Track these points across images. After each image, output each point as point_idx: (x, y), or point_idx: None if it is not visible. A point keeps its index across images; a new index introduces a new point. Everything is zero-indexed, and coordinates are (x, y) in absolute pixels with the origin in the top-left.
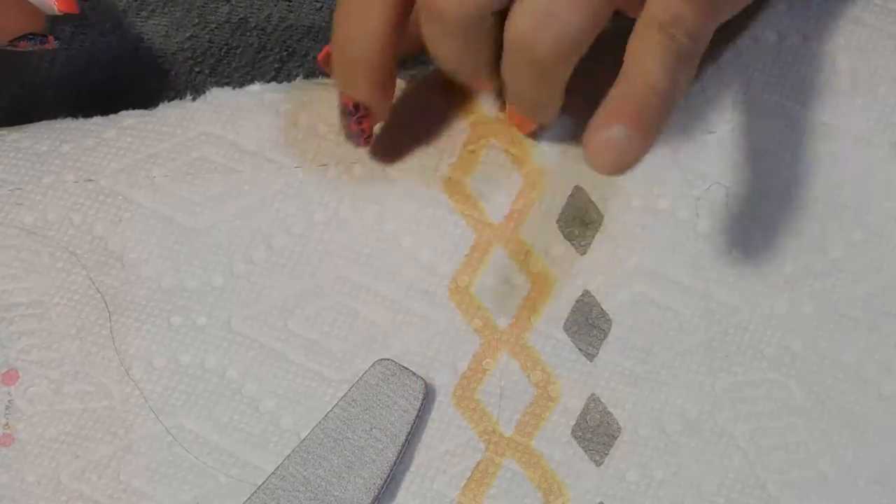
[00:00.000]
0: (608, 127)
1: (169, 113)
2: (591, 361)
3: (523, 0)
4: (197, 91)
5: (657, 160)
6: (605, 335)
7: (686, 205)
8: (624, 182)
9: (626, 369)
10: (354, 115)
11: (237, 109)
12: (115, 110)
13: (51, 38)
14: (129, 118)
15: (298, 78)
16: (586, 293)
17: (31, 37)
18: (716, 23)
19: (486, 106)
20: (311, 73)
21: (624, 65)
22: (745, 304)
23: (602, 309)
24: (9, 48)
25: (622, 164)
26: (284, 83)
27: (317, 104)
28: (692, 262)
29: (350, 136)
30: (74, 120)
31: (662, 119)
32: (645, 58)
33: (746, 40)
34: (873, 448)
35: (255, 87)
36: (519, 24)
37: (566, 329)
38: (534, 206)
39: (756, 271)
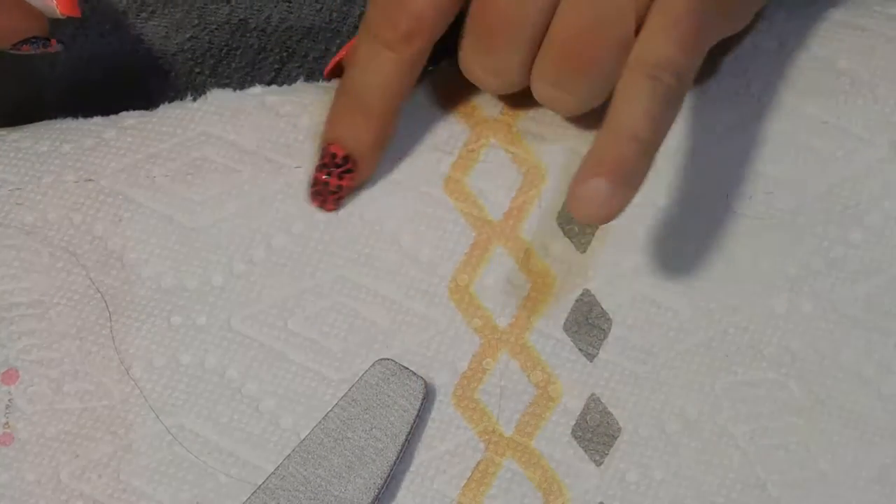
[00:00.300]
0: (590, 181)
1: (169, 113)
2: (591, 362)
3: (537, 67)
4: (197, 92)
5: (657, 159)
6: (606, 335)
7: (686, 202)
8: None
9: (626, 369)
10: (338, 169)
11: (238, 111)
12: (115, 111)
13: (53, 41)
14: (130, 118)
15: (300, 80)
16: (586, 292)
17: (33, 40)
18: (702, 57)
19: (486, 107)
20: (311, 74)
21: (609, 111)
22: (745, 304)
23: (602, 308)
24: (12, 51)
25: (603, 216)
26: (285, 86)
27: (318, 106)
28: (692, 260)
29: (319, 192)
30: (74, 120)
31: (644, 169)
32: (629, 105)
33: (747, 47)
34: (873, 448)
35: (257, 90)
36: (540, 89)
37: (566, 329)
38: (534, 203)
39: (756, 271)
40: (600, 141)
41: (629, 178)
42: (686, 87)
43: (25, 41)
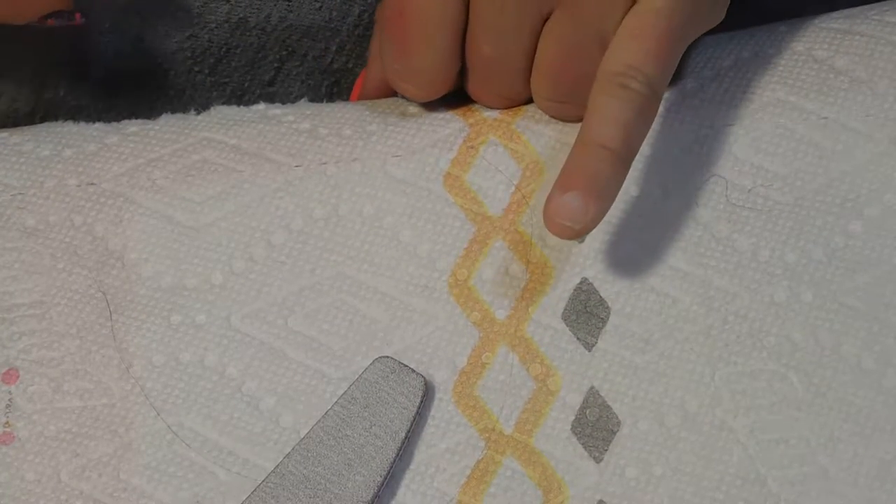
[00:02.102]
0: (562, 195)
1: (172, 122)
2: (589, 351)
3: (533, 86)
4: (196, 90)
5: (655, 154)
6: (604, 323)
7: (685, 194)
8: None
9: (624, 359)
10: None
11: (240, 121)
12: (115, 109)
13: (77, 14)
14: (132, 126)
15: (303, 100)
16: (584, 281)
17: (58, 14)
18: (674, 65)
19: (485, 108)
20: (311, 73)
21: (583, 122)
22: (745, 291)
23: (600, 297)
24: (38, 25)
25: (577, 231)
26: (289, 104)
27: (320, 114)
28: (691, 248)
29: None
30: (76, 125)
31: (617, 179)
32: (600, 116)
33: (746, 53)
34: (873, 443)
35: (260, 106)
36: (541, 104)
37: (564, 318)
38: (533, 196)
39: (755, 259)
40: (572, 154)
41: (602, 191)
42: (658, 95)
43: (50, 15)
